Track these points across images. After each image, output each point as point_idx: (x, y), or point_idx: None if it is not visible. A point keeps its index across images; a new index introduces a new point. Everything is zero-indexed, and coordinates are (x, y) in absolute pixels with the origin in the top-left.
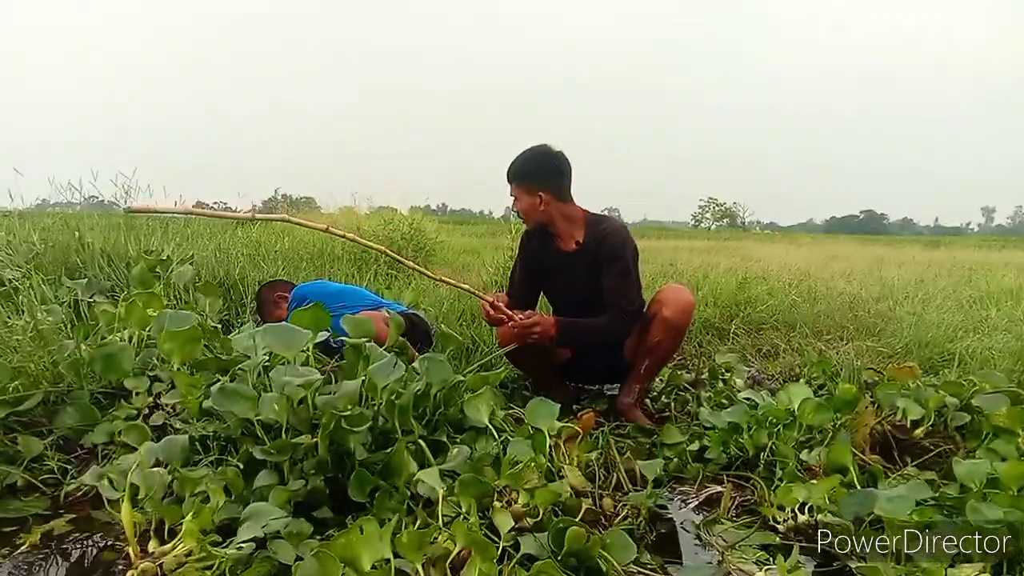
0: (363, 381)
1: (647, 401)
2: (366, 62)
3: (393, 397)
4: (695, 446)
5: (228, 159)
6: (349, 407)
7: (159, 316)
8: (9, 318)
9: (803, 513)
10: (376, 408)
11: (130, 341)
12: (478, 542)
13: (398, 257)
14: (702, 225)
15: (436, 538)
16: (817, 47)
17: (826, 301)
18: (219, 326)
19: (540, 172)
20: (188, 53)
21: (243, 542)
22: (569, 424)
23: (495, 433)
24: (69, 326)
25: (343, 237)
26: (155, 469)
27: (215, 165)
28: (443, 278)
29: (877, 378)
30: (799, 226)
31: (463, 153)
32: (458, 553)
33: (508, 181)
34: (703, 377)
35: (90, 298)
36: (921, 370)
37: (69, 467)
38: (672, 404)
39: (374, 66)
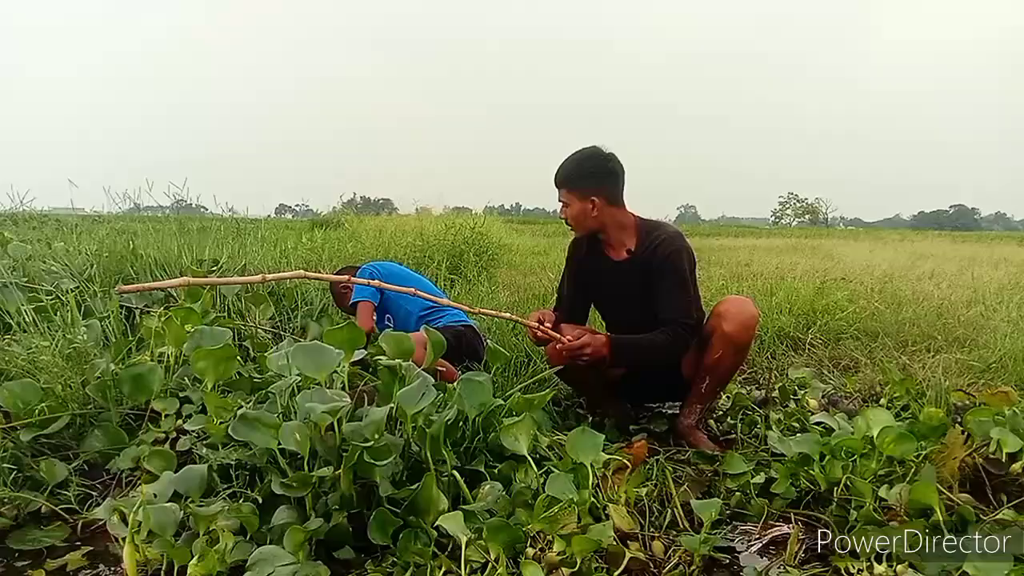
0: (392, 408)
1: (711, 422)
2: (438, 48)
3: (424, 425)
4: (760, 478)
5: (309, 160)
6: (376, 436)
7: (194, 333)
8: (44, 333)
9: (880, 563)
10: (406, 437)
11: (163, 360)
12: None
13: (425, 296)
14: (782, 222)
15: None
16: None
17: (912, 307)
18: (270, 336)
19: (593, 176)
20: (263, 51)
21: None
22: (617, 456)
23: (535, 465)
24: (105, 343)
25: (348, 281)
26: (167, 504)
27: (299, 167)
28: (481, 309)
29: (968, 401)
30: (885, 221)
31: (538, 153)
32: None
33: (556, 186)
34: (774, 395)
35: (144, 309)
36: (1018, 390)
37: (94, 493)
38: (739, 426)
39: (448, 56)
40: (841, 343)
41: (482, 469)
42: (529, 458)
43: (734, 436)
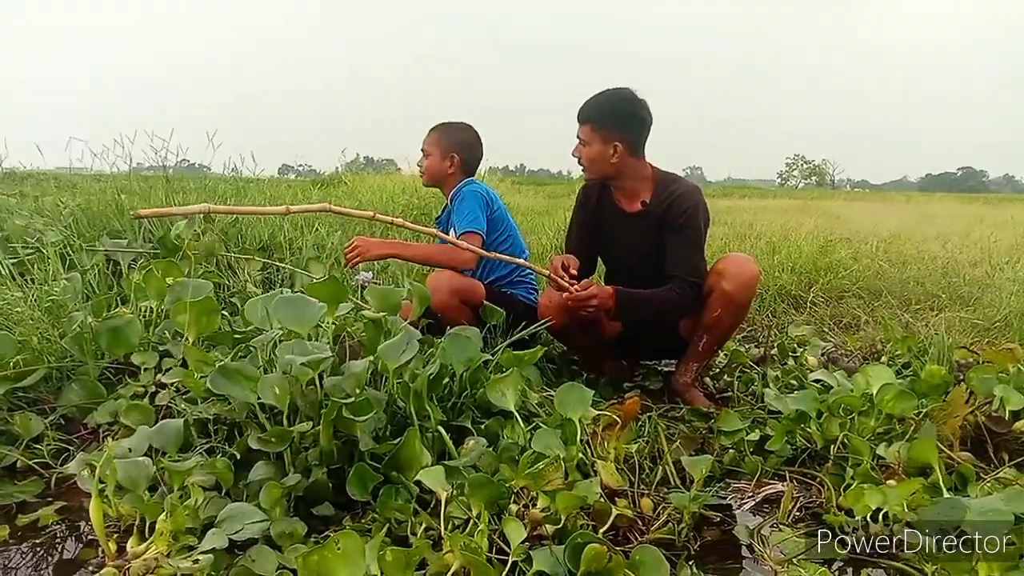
0: (375, 361)
1: (707, 380)
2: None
3: (408, 379)
4: (755, 435)
5: (312, 121)
6: (357, 391)
7: (174, 286)
8: (22, 287)
9: (876, 522)
10: (390, 392)
11: (143, 313)
12: (476, 563)
13: (445, 237)
14: (788, 183)
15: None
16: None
17: (916, 266)
18: (258, 289)
19: (620, 118)
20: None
21: (202, 553)
22: (607, 412)
23: (523, 421)
24: (88, 297)
25: (391, 223)
26: (138, 459)
27: (301, 127)
28: (496, 254)
29: (971, 359)
30: (892, 183)
31: (541, 114)
32: (455, 573)
33: (579, 121)
34: (772, 353)
35: (131, 262)
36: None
37: (71, 448)
38: (735, 383)
39: (457, 16)
40: (843, 301)
41: (468, 425)
42: (516, 414)
43: (731, 394)
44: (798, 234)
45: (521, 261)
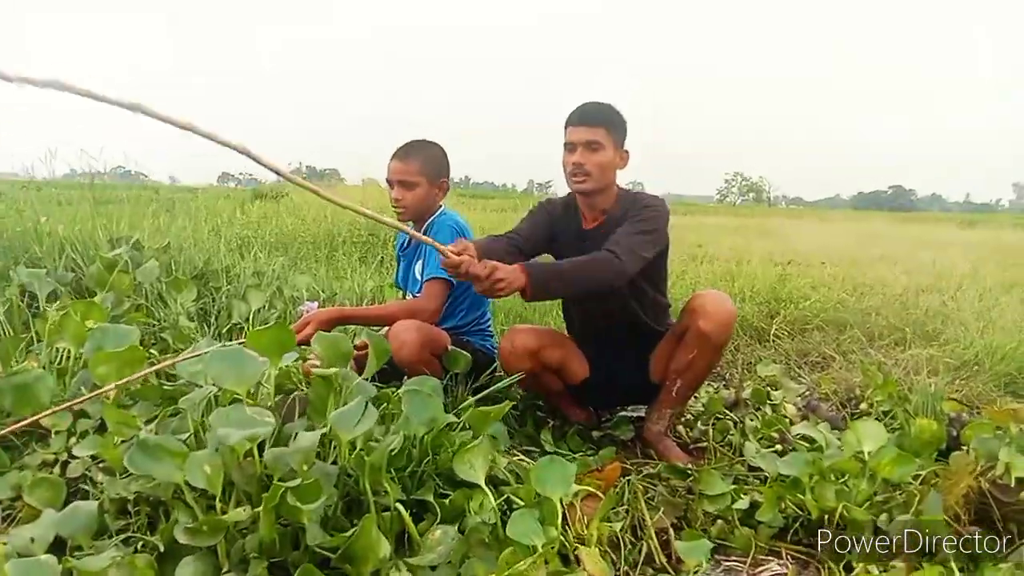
0: (325, 432)
1: (680, 427)
2: (390, 33)
3: (364, 451)
4: (743, 503)
5: (256, 130)
6: (304, 467)
7: (95, 331)
8: None
9: None
10: (342, 465)
11: (57, 363)
12: None
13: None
14: (727, 200)
15: None
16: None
17: (873, 296)
18: (192, 322)
19: (625, 128)
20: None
21: None
22: (587, 487)
23: (494, 490)
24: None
25: (377, 220)
26: (41, 558)
27: (242, 137)
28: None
29: (962, 411)
30: (825, 201)
31: (487, 127)
32: None
33: (589, 124)
34: (745, 396)
35: (47, 297)
36: (996, 389)
37: None
38: (710, 432)
39: (399, 37)
40: (806, 334)
41: (431, 499)
42: (486, 489)
43: (706, 444)
44: (750, 256)
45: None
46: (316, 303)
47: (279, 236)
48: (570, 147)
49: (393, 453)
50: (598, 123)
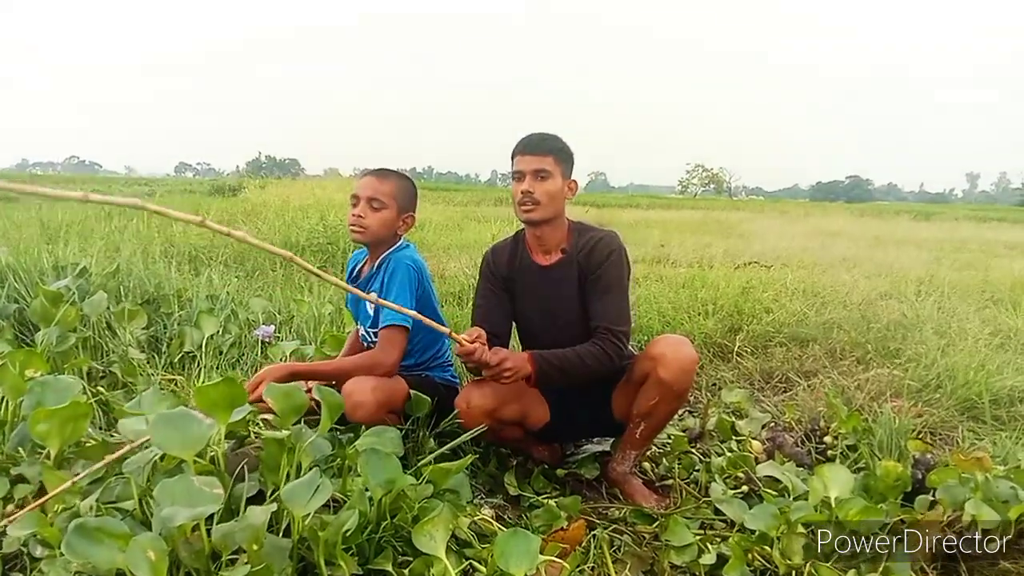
0: (275, 508)
1: (646, 464)
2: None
3: (317, 526)
4: (710, 557)
5: (215, 119)
6: (255, 546)
7: (34, 385)
8: None
9: None
10: (294, 539)
11: None
12: None
13: (311, 268)
14: (688, 191)
15: None
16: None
17: (835, 307)
18: (143, 353)
19: (572, 159)
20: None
21: None
22: (551, 543)
23: (456, 557)
24: None
25: (232, 237)
26: None
27: (201, 127)
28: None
29: (926, 451)
30: (784, 191)
31: (450, 114)
32: None
33: (537, 153)
34: (711, 429)
35: None
36: (959, 413)
37: None
38: (676, 469)
39: (368, 23)
40: (769, 351)
41: (390, 569)
42: (446, 561)
43: (672, 481)
44: (711, 257)
45: (447, 331)
46: (272, 327)
47: (234, 248)
48: (519, 176)
49: (348, 533)
50: (545, 152)
